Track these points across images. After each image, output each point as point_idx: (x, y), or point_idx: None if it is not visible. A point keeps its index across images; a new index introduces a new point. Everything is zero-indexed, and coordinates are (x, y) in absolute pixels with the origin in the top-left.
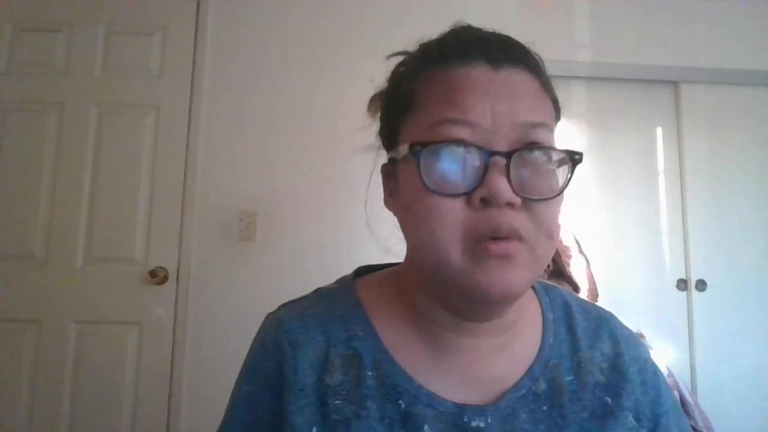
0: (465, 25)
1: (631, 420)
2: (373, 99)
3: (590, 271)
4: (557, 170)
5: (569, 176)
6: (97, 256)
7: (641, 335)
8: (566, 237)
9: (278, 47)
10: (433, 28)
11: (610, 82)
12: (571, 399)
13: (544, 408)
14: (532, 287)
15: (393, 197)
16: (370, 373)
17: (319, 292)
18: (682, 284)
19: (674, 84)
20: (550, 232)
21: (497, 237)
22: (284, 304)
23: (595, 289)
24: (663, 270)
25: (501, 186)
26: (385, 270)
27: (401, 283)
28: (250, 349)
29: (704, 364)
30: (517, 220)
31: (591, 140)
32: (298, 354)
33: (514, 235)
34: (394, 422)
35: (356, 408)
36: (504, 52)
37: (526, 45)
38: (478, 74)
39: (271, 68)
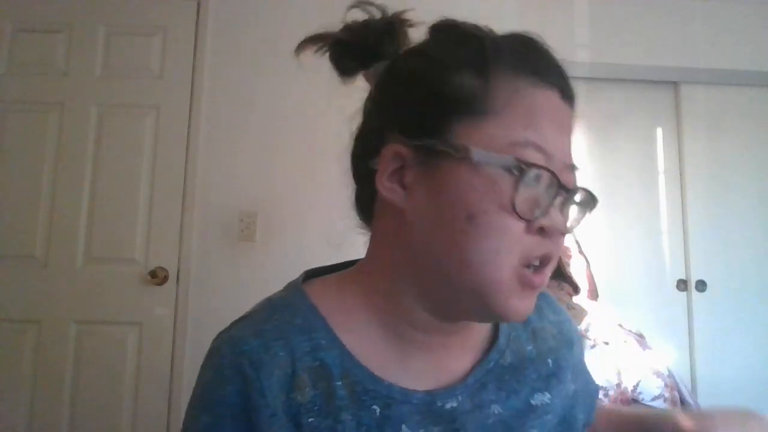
0: (539, 38)
1: (569, 376)
2: (320, 39)
3: (590, 271)
4: (583, 208)
5: (586, 215)
6: (97, 257)
7: (641, 336)
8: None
9: (278, 48)
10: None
11: (610, 82)
12: (530, 366)
13: (507, 377)
14: None
15: (405, 188)
16: (339, 383)
17: (270, 303)
18: (682, 284)
19: (674, 84)
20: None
21: (536, 265)
22: (234, 322)
23: (596, 290)
24: (663, 270)
25: (560, 220)
26: (337, 274)
27: (364, 284)
28: (202, 375)
29: (704, 364)
30: (554, 249)
31: (591, 141)
32: (263, 375)
33: (548, 263)
34: (371, 428)
35: (331, 422)
36: (570, 86)
37: None
38: (558, 104)
39: (271, 68)
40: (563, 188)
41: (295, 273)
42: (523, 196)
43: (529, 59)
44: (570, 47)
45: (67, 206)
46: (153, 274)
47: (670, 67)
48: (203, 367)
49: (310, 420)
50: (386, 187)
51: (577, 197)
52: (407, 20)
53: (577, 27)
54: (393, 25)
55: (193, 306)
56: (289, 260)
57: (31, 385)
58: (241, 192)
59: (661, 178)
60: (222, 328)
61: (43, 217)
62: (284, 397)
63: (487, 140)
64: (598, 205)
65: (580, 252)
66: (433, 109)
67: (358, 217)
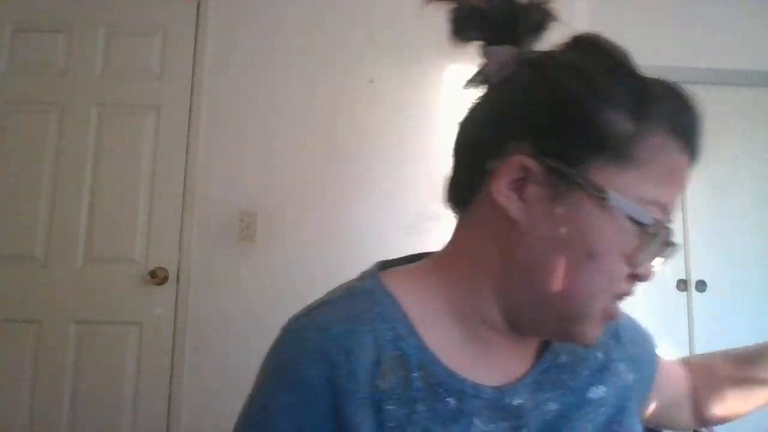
0: (692, 98)
1: (622, 368)
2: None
3: None
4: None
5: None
6: (97, 257)
7: None
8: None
9: (278, 47)
10: (433, 28)
11: None
12: (582, 363)
13: (563, 376)
14: None
15: (525, 202)
16: (416, 374)
17: (350, 290)
18: (682, 284)
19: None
20: None
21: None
22: (314, 307)
23: None
24: (663, 270)
25: (651, 272)
26: (414, 265)
27: (443, 276)
28: (279, 356)
29: None
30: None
31: None
32: (353, 360)
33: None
34: (446, 420)
35: (408, 411)
36: (698, 150)
37: None
38: (685, 167)
39: (271, 68)
40: (671, 245)
41: (295, 273)
42: (642, 247)
43: (683, 122)
44: None
45: (67, 206)
46: (153, 274)
47: (670, 67)
48: (278, 348)
49: (389, 407)
50: (503, 193)
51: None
52: (554, 17)
53: (578, 27)
54: (542, 16)
55: (193, 306)
56: (289, 260)
57: (31, 385)
58: (241, 192)
59: None
60: (222, 327)
61: (43, 217)
62: (370, 383)
63: (622, 187)
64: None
65: None
66: (578, 138)
67: (446, 200)
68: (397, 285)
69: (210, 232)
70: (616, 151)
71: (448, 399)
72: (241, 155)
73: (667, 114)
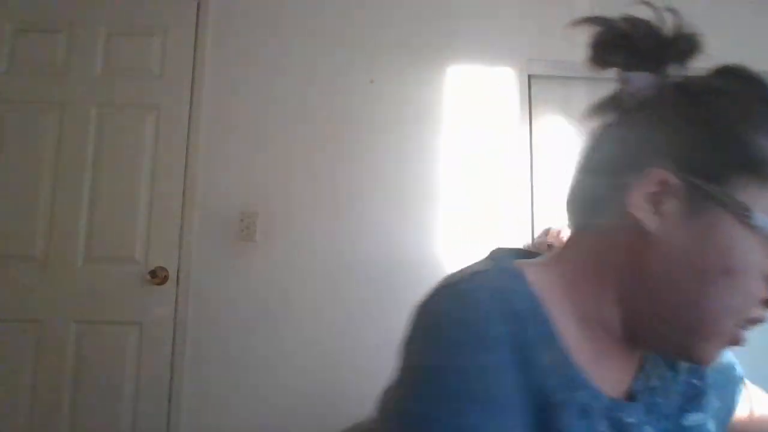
0: None
1: (714, 398)
2: (601, 22)
3: None
4: None
5: None
6: (97, 256)
7: None
8: (567, 237)
9: (278, 47)
10: (433, 29)
11: (611, 82)
12: (672, 388)
13: (658, 400)
14: None
15: (662, 216)
16: (552, 346)
17: (498, 267)
18: None
19: None
20: None
21: (746, 327)
22: (469, 277)
23: None
24: None
25: None
26: (540, 260)
27: (566, 277)
28: (452, 319)
29: None
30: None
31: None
32: (529, 326)
33: (757, 326)
34: (576, 412)
35: (562, 386)
36: None
37: None
38: None
39: (271, 68)
40: None
41: (295, 273)
42: (757, 259)
43: None
44: (570, 47)
45: (67, 206)
46: (153, 274)
47: None
48: (448, 308)
49: (550, 384)
50: (640, 206)
51: None
52: (702, 48)
53: (578, 27)
54: (689, 47)
55: (193, 306)
56: (289, 260)
57: (31, 385)
58: (241, 192)
59: None
60: (222, 327)
61: (43, 217)
62: (545, 354)
63: (765, 207)
64: None
65: None
66: (726, 158)
67: (572, 208)
68: (536, 284)
69: (210, 232)
70: (764, 172)
71: (580, 392)
72: (241, 155)
73: None
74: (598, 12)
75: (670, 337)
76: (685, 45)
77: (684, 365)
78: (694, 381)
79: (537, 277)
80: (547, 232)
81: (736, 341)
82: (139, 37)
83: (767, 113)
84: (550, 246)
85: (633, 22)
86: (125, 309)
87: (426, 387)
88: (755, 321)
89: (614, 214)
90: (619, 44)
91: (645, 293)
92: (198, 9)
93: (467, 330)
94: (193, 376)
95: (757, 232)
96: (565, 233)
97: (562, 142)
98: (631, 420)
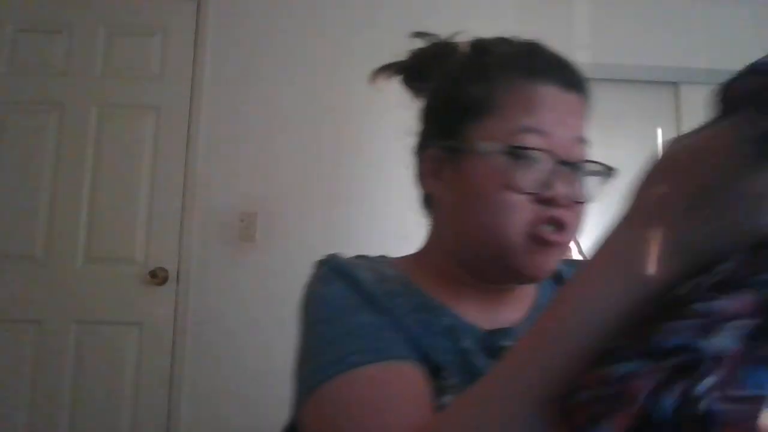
0: (538, 42)
1: None
2: (387, 69)
3: None
4: (595, 182)
5: (604, 186)
6: (97, 257)
7: None
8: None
9: (278, 47)
10: (433, 29)
11: (610, 83)
12: None
13: None
14: None
15: (442, 181)
16: (416, 293)
17: (356, 256)
18: None
19: (674, 85)
20: (578, 230)
21: (551, 228)
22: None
23: None
24: None
25: (564, 190)
26: (409, 254)
27: (427, 256)
28: (314, 293)
29: None
30: (569, 217)
31: (591, 141)
32: (353, 266)
33: (563, 228)
34: (439, 333)
35: (410, 311)
36: (574, 79)
37: (584, 73)
38: (554, 93)
39: (271, 68)
40: (563, 162)
41: (295, 273)
42: (521, 173)
43: (526, 62)
44: (570, 48)
45: (66, 206)
46: (153, 274)
47: (670, 67)
48: (311, 290)
49: (399, 301)
50: (428, 183)
51: (587, 168)
52: (451, 44)
53: (577, 27)
54: (440, 50)
55: (193, 306)
56: (289, 260)
57: (31, 385)
58: (241, 192)
59: None
60: (222, 327)
61: (43, 217)
62: (374, 283)
63: (492, 133)
64: (615, 175)
65: (581, 252)
66: (453, 116)
67: (424, 212)
68: (396, 261)
69: (210, 232)
70: (479, 110)
71: (444, 318)
72: (241, 155)
73: (508, 64)
74: (597, 12)
75: (493, 267)
76: (444, 51)
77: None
78: None
79: (400, 262)
80: None
81: (544, 240)
82: (139, 37)
83: (475, 65)
84: None
85: (412, 54)
86: (125, 309)
87: (314, 328)
88: (554, 221)
89: (427, 196)
90: (413, 75)
91: (460, 237)
92: (198, 9)
93: (321, 304)
94: (193, 376)
95: (486, 156)
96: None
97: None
98: (506, 343)
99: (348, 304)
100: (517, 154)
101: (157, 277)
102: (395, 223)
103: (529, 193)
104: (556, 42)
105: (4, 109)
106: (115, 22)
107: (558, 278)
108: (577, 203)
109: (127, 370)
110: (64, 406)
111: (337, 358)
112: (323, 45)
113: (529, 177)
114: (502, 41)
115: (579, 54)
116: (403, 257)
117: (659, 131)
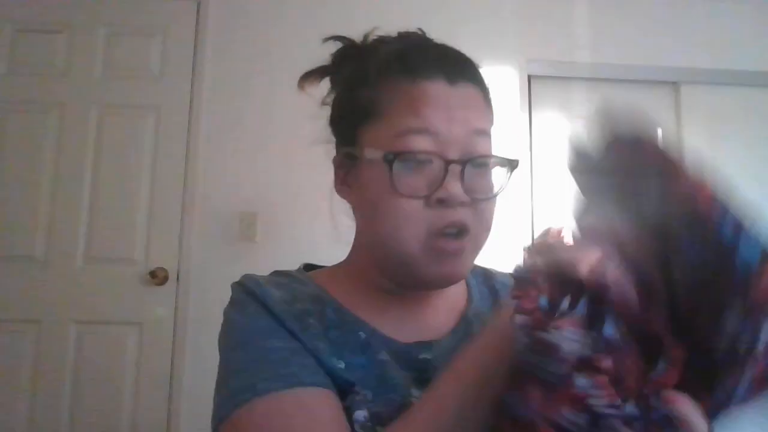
0: (421, 36)
1: None
2: (309, 75)
3: None
4: (497, 173)
5: (509, 178)
6: (97, 257)
7: None
8: (567, 238)
9: (278, 48)
10: (432, 28)
11: (611, 82)
12: None
13: None
14: None
15: (349, 187)
16: (331, 310)
17: (274, 271)
18: None
19: (674, 84)
20: (489, 225)
21: (451, 233)
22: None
23: None
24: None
25: (456, 189)
26: (328, 266)
27: (349, 266)
28: (228, 320)
29: None
30: (466, 216)
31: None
32: (264, 290)
33: (464, 230)
34: (355, 347)
35: (323, 330)
36: (460, 70)
37: (473, 61)
38: (439, 89)
39: (271, 69)
40: (450, 161)
41: None
42: (409, 178)
43: (407, 60)
44: (570, 48)
45: (66, 206)
46: (153, 274)
47: (670, 67)
48: (226, 315)
49: (311, 321)
50: (340, 190)
51: (487, 162)
52: (366, 45)
53: (577, 27)
54: (354, 51)
55: (193, 306)
56: (290, 260)
57: (31, 385)
58: (241, 192)
59: None
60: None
61: (42, 217)
62: (285, 306)
63: (378, 138)
64: (519, 164)
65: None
66: (347, 122)
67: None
68: (317, 275)
69: (210, 232)
70: (367, 114)
71: (360, 332)
72: (241, 155)
73: (388, 66)
74: (597, 12)
75: (400, 274)
76: (352, 52)
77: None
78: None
79: (321, 274)
80: (547, 232)
81: (442, 250)
82: (139, 37)
83: (361, 69)
84: (550, 246)
85: (331, 57)
86: (125, 309)
87: (227, 340)
88: (453, 225)
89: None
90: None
91: (370, 245)
92: (198, 9)
93: (235, 331)
94: (193, 376)
95: (372, 163)
96: (566, 233)
97: (562, 142)
98: (425, 356)
99: (258, 329)
100: (404, 160)
101: (157, 277)
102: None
103: (418, 197)
104: (556, 42)
105: (4, 109)
106: (115, 22)
107: (491, 288)
108: (477, 200)
109: (127, 370)
110: (64, 406)
111: (247, 385)
112: (322, 45)
113: (417, 180)
114: (389, 40)
115: (579, 54)
116: (323, 269)
117: (659, 131)
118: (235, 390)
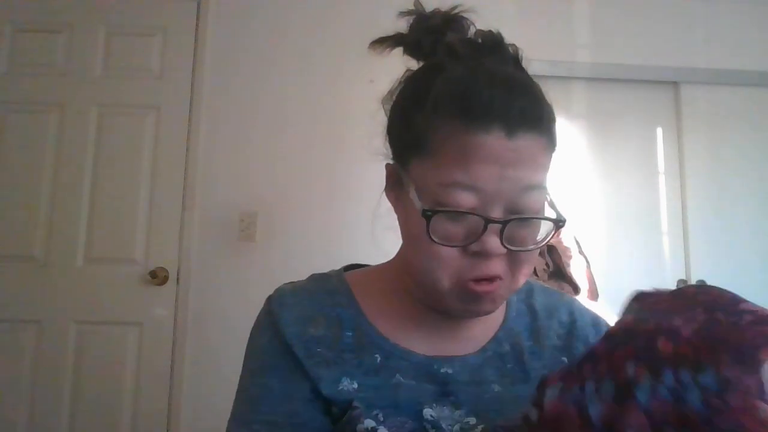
0: (488, 72)
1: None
2: (383, 40)
3: (590, 271)
4: (542, 225)
5: (551, 234)
6: (97, 257)
7: None
8: (566, 238)
9: (278, 47)
10: None
11: (611, 82)
12: (532, 359)
13: (509, 366)
14: None
15: (396, 198)
16: (349, 333)
17: (312, 275)
18: (682, 284)
19: (674, 84)
20: (527, 271)
21: (484, 280)
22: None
23: (595, 290)
24: (663, 270)
25: (493, 244)
26: (372, 266)
27: (389, 271)
28: (251, 339)
29: None
30: (500, 266)
31: (591, 141)
32: (284, 311)
33: (497, 278)
34: (369, 370)
35: (336, 355)
36: (522, 119)
37: (543, 98)
38: (494, 143)
39: (271, 69)
40: (490, 220)
41: (295, 273)
42: (444, 226)
43: (463, 104)
44: (570, 48)
45: (66, 206)
46: (153, 274)
47: (670, 67)
48: (252, 331)
49: (319, 350)
50: (388, 194)
51: (523, 223)
52: (448, 17)
53: (577, 27)
54: (436, 23)
55: (193, 306)
56: (290, 260)
57: (31, 385)
58: (241, 192)
59: (661, 178)
60: (222, 327)
61: (43, 217)
62: (299, 328)
63: (425, 178)
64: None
65: (580, 252)
66: (399, 142)
67: None
68: (354, 276)
69: (210, 232)
70: (418, 147)
71: (375, 355)
72: (241, 155)
73: (446, 105)
74: (597, 12)
75: (429, 298)
76: (443, 26)
77: (550, 341)
78: (563, 358)
79: (359, 275)
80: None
81: (473, 294)
82: (139, 37)
83: (411, 96)
84: (549, 246)
85: (410, 27)
86: (125, 309)
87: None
88: (484, 276)
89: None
90: (412, 48)
91: (406, 264)
92: (198, 9)
93: (272, 336)
94: (193, 376)
95: (415, 202)
96: (565, 233)
97: (562, 143)
98: (446, 370)
99: (265, 362)
100: (443, 216)
101: (157, 277)
102: (395, 223)
103: (455, 246)
104: (556, 42)
105: (4, 109)
106: (115, 22)
107: (530, 306)
108: (516, 251)
109: (127, 370)
110: (64, 406)
111: (248, 420)
112: (323, 44)
113: (456, 231)
114: (461, 51)
115: (579, 54)
116: (361, 270)
117: (659, 131)
118: (238, 417)
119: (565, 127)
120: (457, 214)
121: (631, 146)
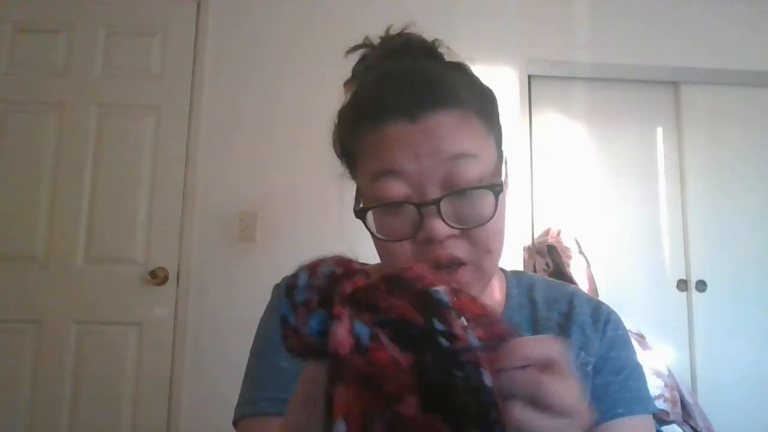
0: (382, 73)
1: (576, 350)
2: (354, 48)
3: (590, 271)
4: (485, 196)
5: (495, 204)
6: (97, 257)
7: (641, 336)
8: (566, 238)
9: (278, 47)
10: (432, 28)
11: (611, 82)
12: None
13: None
14: (504, 274)
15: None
16: None
17: None
18: (682, 285)
19: (674, 84)
20: (490, 248)
21: (444, 267)
22: None
23: (596, 290)
24: (663, 270)
25: (437, 227)
26: (372, 264)
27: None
28: (259, 323)
29: (704, 364)
30: (457, 248)
31: (591, 141)
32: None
33: (455, 262)
34: None
35: None
36: (422, 102)
37: (451, 80)
38: (399, 130)
39: (270, 68)
40: (421, 204)
41: None
42: (387, 223)
43: (365, 107)
44: (570, 48)
45: (66, 206)
46: (153, 274)
47: (670, 67)
48: (262, 317)
49: None
50: (356, 210)
51: (457, 197)
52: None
53: (577, 27)
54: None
55: (193, 306)
56: (289, 260)
57: (31, 385)
58: (241, 192)
59: (661, 178)
60: (222, 327)
61: (43, 217)
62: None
63: (361, 186)
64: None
65: (581, 252)
66: (342, 160)
67: None
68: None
69: (210, 232)
70: (350, 159)
71: None
72: (240, 155)
73: (355, 114)
74: (597, 12)
75: None
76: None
77: (549, 331)
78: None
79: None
80: (547, 232)
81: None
82: (139, 37)
83: (345, 113)
84: (549, 246)
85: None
86: (125, 309)
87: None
88: (444, 260)
89: None
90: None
91: None
92: (198, 9)
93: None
94: (193, 376)
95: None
96: (565, 233)
97: (562, 142)
98: None
99: (274, 344)
100: (375, 212)
101: (157, 277)
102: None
103: (402, 239)
104: (556, 42)
105: (4, 109)
106: (115, 22)
107: (531, 299)
108: (468, 229)
109: (127, 370)
110: (64, 406)
111: (253, 399)
112: (322, 45)
113: (400, 224)
114: (372, 62)
115: (579, 54)
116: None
117: (659, 130)
118: (244, 398)
119: (565, 127)
120: (390, 207)
121: (631, 146)
